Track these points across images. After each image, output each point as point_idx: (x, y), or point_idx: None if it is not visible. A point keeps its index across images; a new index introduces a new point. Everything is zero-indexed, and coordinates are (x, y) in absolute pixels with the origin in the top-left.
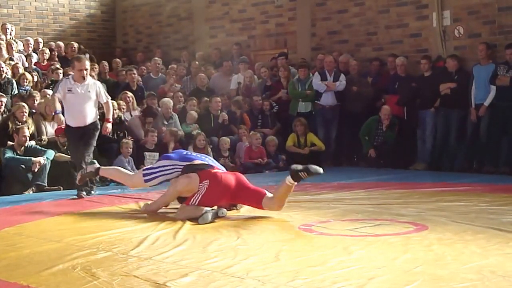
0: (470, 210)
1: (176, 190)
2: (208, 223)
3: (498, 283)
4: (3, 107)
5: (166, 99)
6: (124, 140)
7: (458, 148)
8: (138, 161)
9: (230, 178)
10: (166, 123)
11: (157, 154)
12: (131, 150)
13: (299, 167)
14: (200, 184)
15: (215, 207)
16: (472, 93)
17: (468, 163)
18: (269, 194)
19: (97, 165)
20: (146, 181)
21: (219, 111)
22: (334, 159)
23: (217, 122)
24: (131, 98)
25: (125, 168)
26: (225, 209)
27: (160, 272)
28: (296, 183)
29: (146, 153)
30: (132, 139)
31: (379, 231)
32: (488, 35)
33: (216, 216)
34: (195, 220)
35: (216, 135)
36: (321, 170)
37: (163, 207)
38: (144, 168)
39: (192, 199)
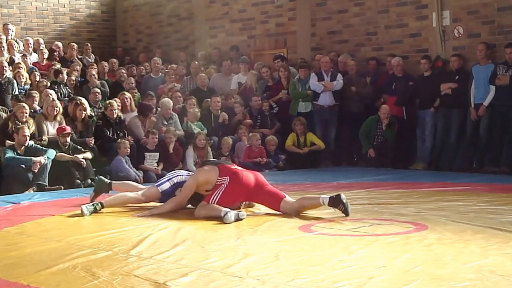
0: (469, 210)
1: (197, 180)
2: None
3: (497, 282)
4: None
5: (165, 99)
6: (120, 140)
7: (457, 148)
8: (139, 161)
9: (250, 177)
10: (165, 123)
11: (158, 154)
12: (128, 149)
13: (344, 200)
14: (219, 178)
15: (241, 211)
16: (472, 93)
17: (468, 162)
18: (288, 199)
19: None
20: (158, 185)
21: (219, 111)
22: (333, 159)
23: (217, 121)
24: (129, 99)
25: (124, 167)
26: (244, 212)
27: (160, 271)
28: (329, 207)
29: (147, 154)
30: (132, 139)
31: (378, 231)
32: (488, 35)
33: (238, 218)
34: (211, 219)
35: (216, 135)
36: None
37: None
38: (157, 181)
39: (212, 197)
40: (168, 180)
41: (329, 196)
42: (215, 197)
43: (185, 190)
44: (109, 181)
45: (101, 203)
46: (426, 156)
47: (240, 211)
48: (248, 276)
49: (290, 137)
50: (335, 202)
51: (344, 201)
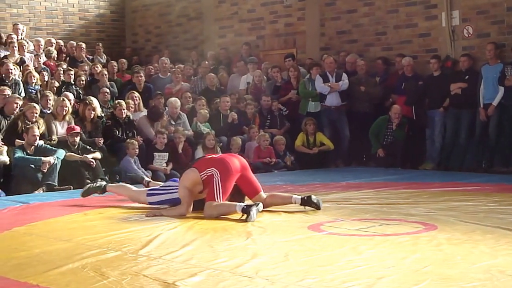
0: (479, 210)
1: (186, 188)
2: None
3: (507, 282)
4: (18, 109)
5: (172, 99)
6: (129, 140)
7: (467, 148)
8: (148, 161)
9: (234, 160)
10: (173, 123)
11: (167, 154)
12: (137, 150)
13: (315, 200)
14: (203, 173)
15: (257, 202)
16: (481, 93)
17: (477, 163)
18: (262, 194)
19: (105, 182)
20: (148, 195)
21: (228, 111)
22: (343, 159)
23: (226, 121)
24: (137, 98)
25: (132, 168)
26: (261, 203)
27: (169, 271)
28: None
29: (156, 154)
30: (141, 139)
31: (388, 231)
32: (497, 35)
33: (258, 211)
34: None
35: (225, 135)
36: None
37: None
38: (149, 188)
39: (215, 194)
40: (161, 194)
41: (300, 196)
42: (218, 193)
43: (184, 201)
44: (104, 183)
45: (105, 185)
46: (435, 156)
47: (256, 203)
48: (257, 276)
49: (299, 137)
50: (307, 202)
51: (315, 201)
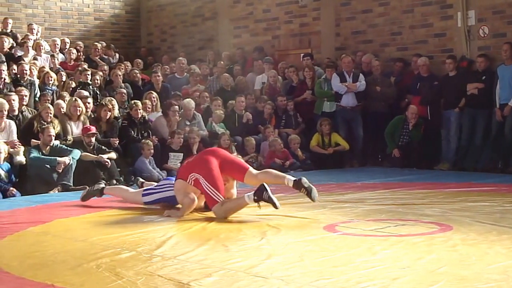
0: (494, 211)
1: (182, 196)
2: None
3: None
4: (25, 101)
5: (186, 100)
6: (144, 140)
7: (482, 148)
8: (163, 161)
9: (209, 156)
10: (188, 123)
11: (182, 154)
12: (152, 151)
13: (306, 184)
14: (188, 180)
15: (263, 185)
16: (497, 93)
17: (493, 163)
18: (252, 170)
19: (103, 185)
20: (143, 195)
21: (243, 111)
22: (359, 159)
23: (241, 121)
24: (155, 99)
25: (147, 168)
26: (266, 185)
27: (184, 271)
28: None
29: (171, 154)
30: (156, 139)
31: (403, 231)
32: None
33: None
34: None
35: (240, 135)
36: (316, 199)
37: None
38: (144, 188)
39: (214, 197)
40: (155, 193)
41: (293, 179)
42: (214, 193)
43: (185, 203)
44: (103, 186)
45: (103, 188)
46: (451, 156)
47: (263, 186)
48: (272, 276)
49: (314, 137)
50: (298, 185)
51: (306, 185)
